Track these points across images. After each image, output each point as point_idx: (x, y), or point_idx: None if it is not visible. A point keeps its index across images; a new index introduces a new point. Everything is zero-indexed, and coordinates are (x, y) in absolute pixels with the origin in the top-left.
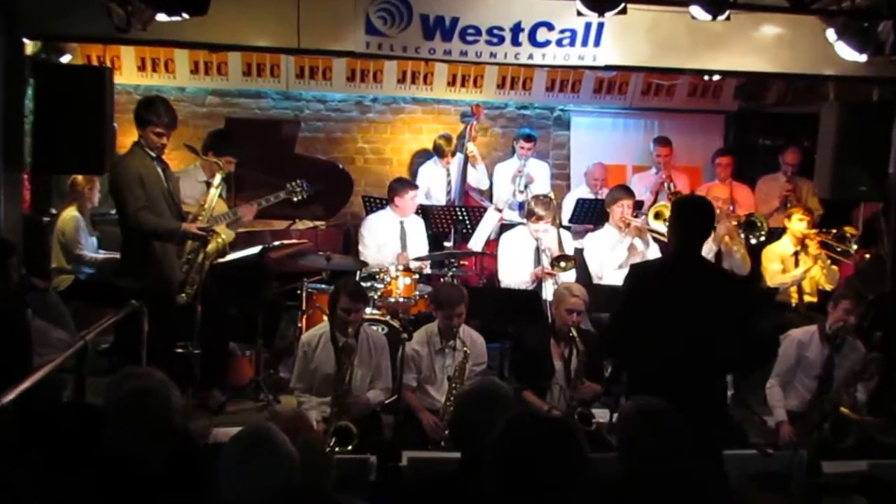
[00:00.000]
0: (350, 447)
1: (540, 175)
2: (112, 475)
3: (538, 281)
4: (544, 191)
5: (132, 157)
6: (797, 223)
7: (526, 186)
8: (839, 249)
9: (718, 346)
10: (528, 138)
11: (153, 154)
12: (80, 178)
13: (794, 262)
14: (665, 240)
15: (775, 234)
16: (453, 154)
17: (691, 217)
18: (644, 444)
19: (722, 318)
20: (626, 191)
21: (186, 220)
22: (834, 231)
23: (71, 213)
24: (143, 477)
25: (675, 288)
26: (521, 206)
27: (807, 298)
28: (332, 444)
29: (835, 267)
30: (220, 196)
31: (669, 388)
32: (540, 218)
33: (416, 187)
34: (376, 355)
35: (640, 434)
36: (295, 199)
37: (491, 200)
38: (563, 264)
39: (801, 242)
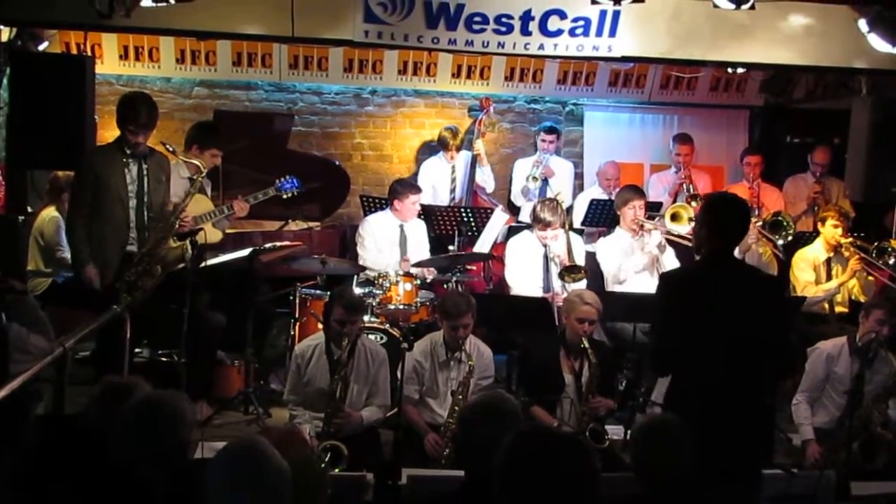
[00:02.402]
0: (338, 469)
1: (561, 172)
2: (110, 493)
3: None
4: (565, 191)
5: (98, 154)
6: (831, 229)
7: (545, 181)
8: (879, 263)
9: (762, 351)
10: (551, 131)
11: (130, 151)
12: (61, 174)
13: (825, 269)
14: (683, 242)
15: (802, 238)
16: (458, 149)
17: (726, 217)
18: (659, 461)
19: (763, 322)
20: (637, 191)
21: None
22: (875, 244)
23: (50, 213)
24: (145, 496)
25: (713, 294)
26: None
27: (838, 309)
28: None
29: (871, 278)
30: (205, 194)
31: (715, 400)
32: (548, 224)
33: (418, 191)
34: (374, 369)
35: (654, 450)
36: (284, 196)
37: (507, 200)
38: (573, 275)
39: (835, 249)
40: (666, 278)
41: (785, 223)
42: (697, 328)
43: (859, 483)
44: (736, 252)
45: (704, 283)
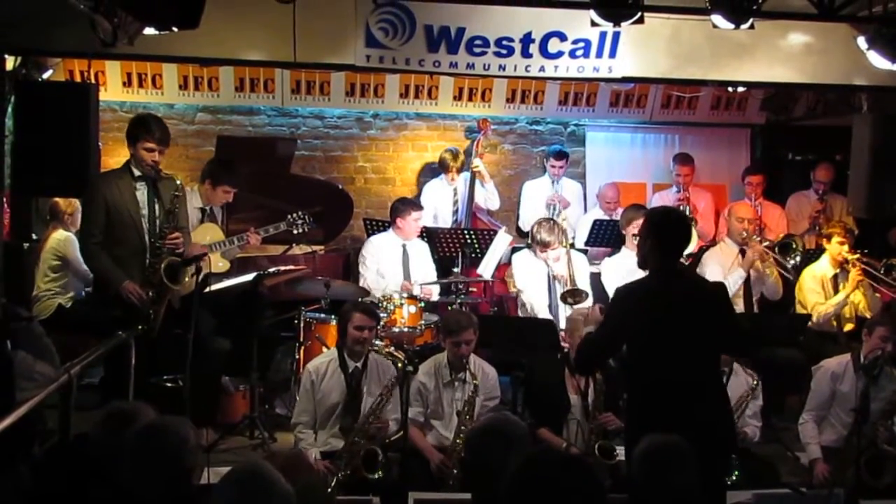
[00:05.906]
0: (378, 474)
1: (573, 197)
2: None
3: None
4: (577, 213)
5: (106, 178)
6: (836, 246)
7: (563, 218)
8: (889, 280)
9: (715, 347)
10: (560, 155)
11: (139, 173)
12: (60, 201)
13: (832, 285)
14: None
15: (807, 256)
16: (459, 171)
17: (668, 232)
18: (659, 483)
19: (712, 326)
20: (642, 210)
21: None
22: (884, 261)
23: (63, 233)
24: None
25: (665, 306)
26: None
27: (847, 327)
28: (361, 470)
29: (878, 294)
30: (215, 222)
31: (671, 402)
32: (547, 245)
33: (420, 208)
34: (385, 380)
35: (655, 472)
36: (295, 231)
37: (514, 224)
38: (575, 298)
39: (841, 265)
40: (620, 290)
41: (794, 245)
42: (654, 338)
43: (868, 501)
44: (741, 270)
45: (658, 296)
